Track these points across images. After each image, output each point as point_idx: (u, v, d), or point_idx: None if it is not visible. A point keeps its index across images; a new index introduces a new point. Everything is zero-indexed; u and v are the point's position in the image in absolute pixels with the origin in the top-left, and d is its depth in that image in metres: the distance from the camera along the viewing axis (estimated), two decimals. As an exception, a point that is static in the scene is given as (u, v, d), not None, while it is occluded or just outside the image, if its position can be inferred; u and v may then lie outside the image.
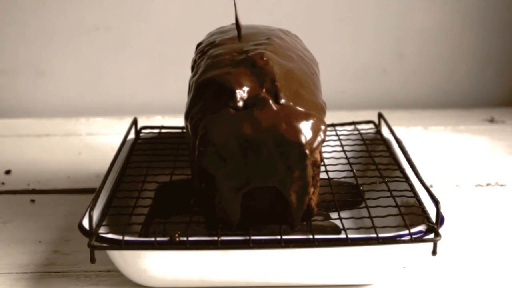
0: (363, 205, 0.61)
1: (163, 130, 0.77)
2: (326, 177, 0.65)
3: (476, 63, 1.10)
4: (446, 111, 1.07)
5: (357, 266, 0.55)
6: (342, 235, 0.53)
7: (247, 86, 0.55)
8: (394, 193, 0.61)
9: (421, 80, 1.11)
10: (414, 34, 1.08)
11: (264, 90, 0.54)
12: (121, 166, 0.67)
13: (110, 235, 0.53)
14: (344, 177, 0.70)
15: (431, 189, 0.62)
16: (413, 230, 0.53)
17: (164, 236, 0.53)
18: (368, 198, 0.62)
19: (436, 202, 0.54)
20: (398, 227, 0.55)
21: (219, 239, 0.52)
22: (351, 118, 0.87)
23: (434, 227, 0.54)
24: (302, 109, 0.54)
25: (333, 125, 0.77)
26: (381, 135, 0.75)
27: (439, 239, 0.53)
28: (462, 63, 1.10)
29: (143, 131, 0.77)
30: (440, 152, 0.90)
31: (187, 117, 0.56)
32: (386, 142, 0.72)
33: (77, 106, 1.09)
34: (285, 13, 1.07)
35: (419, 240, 0.53)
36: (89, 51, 1.08)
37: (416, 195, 0.59)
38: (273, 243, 0.52)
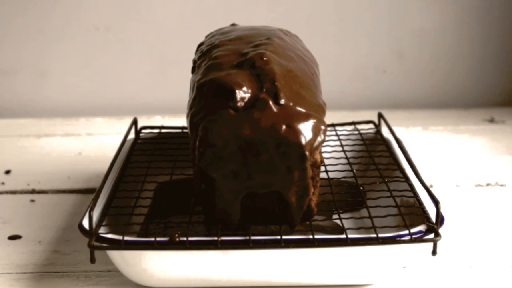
0: (363, 205, 0.61)
1: (163, 130, 0.77)
2: (326, 177, 0.65)
3: (475, 63, 1.10)
4: (445, 111, 1.07)
5: (357, 266, 0.55)
6: (342, 235, 0.53)
7: (247, 86, 0.55)
8: (394, 193, 0.61)
9: (421, 80, 1.11)
10: (414, 34, 1.09)
11: (264, 90, 0.54)
12: (121, 166, 0.67)
13: (110, 235, 0.53)
14: (344, 177, 0.70)
15: (431, 189, 0.62)
16: (413, 230, 0.53)
17: (164, 236, 0.53)
18: (368, 198, 0.62)
19: (436, 202, 0.54)
20: (398, 227, 0.55)
21: (219, 239, 0.52)
22: (351, 118, 0.87)
23: (434, 227, 0.54)
24: (302, 110, 0.54)
25: (333, 125, 0.77)
26: (381, 135, 0.75)
27: (439, 239, 0.53)
28: (461, 63, 1.10)
29: (143, 131, 0.77)
30: (440, 152, 0.90)
31: (188, 117, 0.57)
32: (386, 142, 0.72)
33: (77, 106, 1.09)
34: (285, 13, 1.07)
35: (419, 240, 0.53)
36: (89, 51, 1.08)
37: (416, 195, 0.59)
38: (273, 243, 0.52)
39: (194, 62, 0.64)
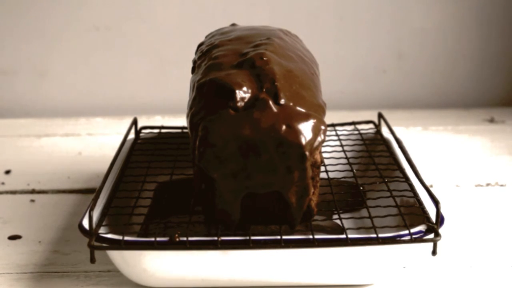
0: (363, 205, 0.61)
1: (163, 130, 0.77)
2: (326, 177, 0.65)
3: (476, 63, 1.10)
4: (446, 111, 1.07)
5: (357, 266, 0.55)
6: (342, 235, 0.53)
7: (247, 86, 0.55)
8: (394, 193, 0.61)
9: (421, 80, 1.11)
10: (414, 34, 1.08)
11: (264, 90, 0.54)
12: (121, 166, 0.67)
13: (110, 235, 0.53)
14: (344, 177, 0.70)
15: (431, 189, 0.62)
16: (413, 230, 0.53)
17: (164, 236, 0.53)
18: (368, 198, 0.62)
19: (436, 202, 0.54)
20: (398, 227, 0.55)
21: (219, 239, 0.52)
22: (351, 118, 0.87)
23: (434, 227, 0.54)
24: (302, 110, 0.54)
25: (333, 125, 0.77)
26: (381, 135, 0.75)
27: (439, 239, 0.53)
28: (462, 63, 1.10)
29: (143, 131, 0.77)
30: (440, 152, 0.90)
31: (188, 117, 0.57)
32: (386, 142, 0.72)
33: (77, 106, 1.09)
34: (285, 13, 1.07)
35: (419, 240, 0.53)
36: (89, 51, 1.08)
37: (416, 195, 0.59)
38: (273, 243, 0.52)
39: (194, 62, 0.64)
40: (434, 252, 0.53)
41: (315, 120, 0.54)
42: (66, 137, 0.98)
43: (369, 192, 0.66)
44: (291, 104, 0.54)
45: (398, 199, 0.60)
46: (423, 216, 0.56)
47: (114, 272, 0.60)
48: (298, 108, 0.54)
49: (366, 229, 0.60)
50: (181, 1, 1.07)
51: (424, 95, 1.11)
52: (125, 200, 0.61)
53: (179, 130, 0.77)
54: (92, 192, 0.77)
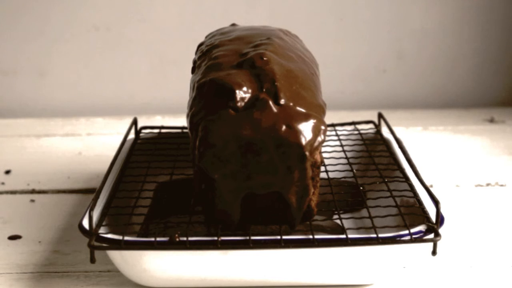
0: (363, 205, 0.61)
1: (163, 130, 0.77)
2: (326, 177, 0.65)
3: (476, 63, 1.10)
4: (446, 111, 1.07)
5: (357, 266, 0.55)
6: (342, 235, 0.53)
7: (247, 86, 0.55)
8: (394, 193, 0.61)
9: (421, 80, 1.11)
10: (414, 34, 1.09)
11: (264, 90, 0.54)
12: (121, 166, 0.67)
13: (110, 235, 0.53)
14: (344, 177, 0.70)
15: (431, 189, 0.62)
16: (413, 230, 0.53)
17: (164, 236, 0.53)
18: (368, 198, 0.62)
19: (436, 202, 0.54)
20: (398, 227, 0.55)
21: (219, 239, 0.52)
22: (351, 118, 0.87)
23: (434, 227, 0.54)
24: (302, 110, 0.54)
25: (333, 125, 0.77)
26: (381, 135, 0.75)
27: (439, 239, 0.53)
28: (462, 63, 1.10)
29: (143, 131, 0.77)
30: (440, 152, 0.90)
31: (188, 117, 0.57)
32: (386, 142, 0.72)
33: (77, 106, 1.09)
34: (285, 13, 1.07)
35: (419, 240, 0.53)
36: (89, 51, 1.08)
37: (416, 195, 0.59)
38: (273, 243, 0.52)
39: (194, 62, 0.64)
40: (434, 252, 0.53)
41: (315, 120, 0.54)
42: (66, 137, 0.98)
43: (369, 192, 0.66)
44: (291, 104, 0.54)
45: (398, 199, 0.60)
46: (423, 216, 0.56)
47: (114, 272, 0.60)
48: (298, 108, 0.54)
49: (366, 229, 0.60)
50: (181, 1, 1.07)
51: (424, 95, 1.11)
52: (125, 200, 0.61)
53: (179, 130, 0.77)
54: (92, 192, 0.77)
